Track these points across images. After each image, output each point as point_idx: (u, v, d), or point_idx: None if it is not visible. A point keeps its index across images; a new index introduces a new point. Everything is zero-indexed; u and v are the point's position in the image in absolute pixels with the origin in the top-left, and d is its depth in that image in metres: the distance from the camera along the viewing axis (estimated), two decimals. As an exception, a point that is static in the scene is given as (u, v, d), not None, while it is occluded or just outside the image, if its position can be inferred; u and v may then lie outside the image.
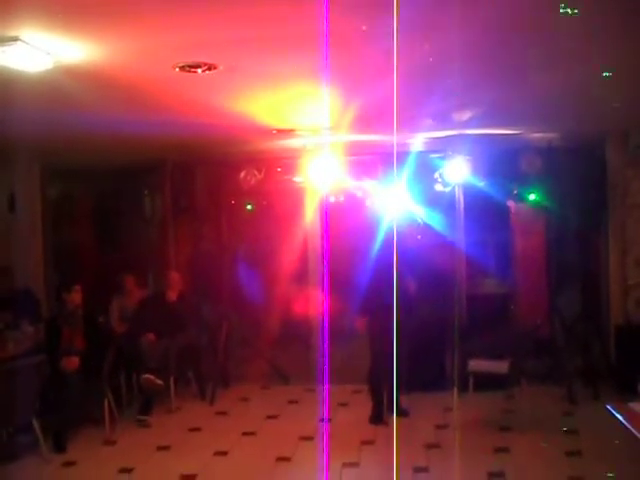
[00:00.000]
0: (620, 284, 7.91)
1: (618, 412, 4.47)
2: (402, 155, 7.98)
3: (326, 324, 7.97)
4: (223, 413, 7.55)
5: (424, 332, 7.30)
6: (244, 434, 6.80)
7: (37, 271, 8.59)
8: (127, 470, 5.91)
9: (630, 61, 4.57)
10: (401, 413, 6.86)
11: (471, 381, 7.19)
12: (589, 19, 3.66)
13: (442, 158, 8.14)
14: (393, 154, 8.13)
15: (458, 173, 7.85)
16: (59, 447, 6.33)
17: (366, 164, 8.80)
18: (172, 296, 8.06)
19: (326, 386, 7.58)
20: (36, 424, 6.07)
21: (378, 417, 6.90)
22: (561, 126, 7.52)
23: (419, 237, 7.37)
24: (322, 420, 6.97)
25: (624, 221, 7.88)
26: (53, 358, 6.53)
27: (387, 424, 6.78)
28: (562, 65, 4.62)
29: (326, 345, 7.18)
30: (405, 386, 7.15)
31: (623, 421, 4.34)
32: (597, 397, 7.28)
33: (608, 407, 4.60)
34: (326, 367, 7.68)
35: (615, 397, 6.50)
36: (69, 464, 6.09)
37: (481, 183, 7.96)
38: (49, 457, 6.15)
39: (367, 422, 6.89)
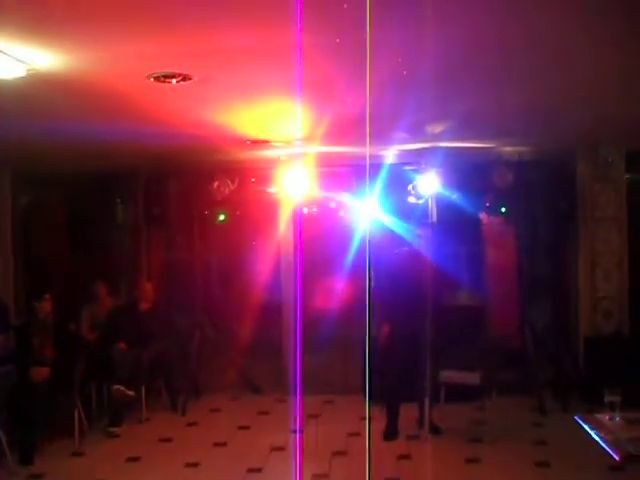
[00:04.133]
0: (589, 296, 8.01)
1: (586, 423, 4.53)
2: (375, 167, 8.01)
3: (299, 334, 7.96)
4: (194, 424, 7.50)
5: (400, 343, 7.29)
6: (215, 445, 6.76)
7: (7, 279, 8.49)
8: (96, 482, 5.87)
9: (601, 76, 4.65)
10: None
11: (442, 392, 7.23)
12: (561, 35, 3.73)
13: (415, 170, 8.21)
14: (366, 166, 8.17)
15: (431, 185, 7.91)
16: (26, 459, 6.22)
17: (340, 176, 8.83)
18: (144, 306, 8.02)
19: (299, 397, 7.57)
20: (2, 435, 5.98)
21: (394, 433, 6.87)
22: (532, 140, 7.62)
23: (396, 251, 7.37)
24: (294, 431, 6.96)
25: (593, 234, 7.99)
26: (22, 368, 6.45)
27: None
28: (533, 79, 4.69)
29: (299, 355, 7.18)
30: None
31: (591, 432, 4.40)
32: (566, 408, 7.35)
33: (576, 418, 4.66)
34: (299, 377, 7.66)
35: (584, 408, 6.58)
36: (36, 477, 6.00)
37: (453, 196, 8.03)
38: (16, 469, 6.05)
39: (339, 433, 6.89)
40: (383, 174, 7.70)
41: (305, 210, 8.95)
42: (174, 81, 4.37)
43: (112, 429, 7.07)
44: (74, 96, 4.80)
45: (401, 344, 6.78)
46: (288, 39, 3.47)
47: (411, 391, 7.07)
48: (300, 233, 8.59)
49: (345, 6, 3.08)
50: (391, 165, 8.01)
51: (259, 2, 3.14)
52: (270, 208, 8.74)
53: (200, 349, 8.39)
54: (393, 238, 7.87)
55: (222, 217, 9.35)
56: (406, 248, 7.40)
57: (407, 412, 7.06)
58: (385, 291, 6.84)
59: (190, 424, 7.50)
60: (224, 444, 6.80)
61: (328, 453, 6.39)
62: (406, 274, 7.01)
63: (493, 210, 8.50)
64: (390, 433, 6.84)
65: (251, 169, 8.79)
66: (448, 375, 7.07)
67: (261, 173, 8.80)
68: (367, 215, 7.81)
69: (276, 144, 7.21)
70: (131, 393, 7.21)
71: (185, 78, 4.33)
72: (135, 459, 6.41)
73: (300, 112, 5.53)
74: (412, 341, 6.85)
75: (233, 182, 8.40)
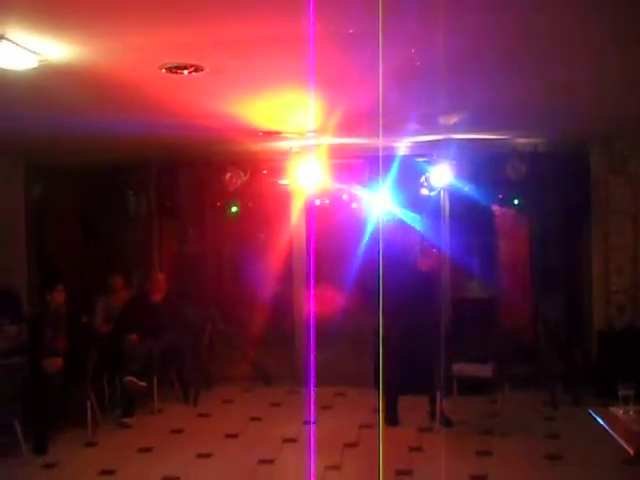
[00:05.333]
0: (603, 290, 7.96)
1: (600, 416, 4.50)
2: (388, 159, 8.00)
3: (312, 326, 7.96)
4: (206, 415, 7.52)
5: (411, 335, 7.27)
6: (227, 436, 6.78)
7: (20, 270, 8.53)
8: (109, 472, 5.88)
9: (615, 68, 4.61)
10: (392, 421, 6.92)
11: (455, 385, 7.21)
12: (574, 26, 3.69)
13: (428, 162, 8.17)
14: (379, 158, 8.15)
15: (444, 177, 7.87)
16: (40, 448, 6.27)
17: (352, 167, 8.81)
18: (156, 297, 8.03)
19: (312, 388, 7.58)
20: (17, 425, 6.02)
21: (393, 420, 6.93)
22: (546, 132, 7.57)
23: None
24: (308, 422, 6.96)
25: (607, 227, 7.94)
26: (35, 359, 6.48)
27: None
28: (547, 71, 4.65)
29: (312, 347, 7.18)
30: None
31: (604, 425, 4.38)
32: (578, 402, 7.32)
33: (590, 411, 4.64)
34: (312, 368, 7.67)
35: (596, 401, 6.54)
36: (50, 466, 6.04)
37: (466, 187, 7.99)
38: (30, 458, 6.10)
39: (351, 425, 6.89)
40: (396, 166, 7.68)
41: (317, 202, 8.94)
42: (186, 72, 4.36)
43: (124, 420, 7.10)
44: (86, 87, 4.81)
45: (410, 336, 6.77)
46: (301, 30, 3.45)
47: (422, 383, 7.07)
48: (312, 225, 8.58)
49: (358, -4, 3.06)
50: (404, 157, 7.99)
51: (271, -8, 3.12)
52: (282, 200, 8.74)
53: (212, 341, 8.40)
54: (405, 230, 7.85)
55: (234, 209, 9.35)
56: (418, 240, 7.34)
57: (419, 404, 7.05)
58: (396, 283, 6.81)
59: (202, 415, 7.52)
60: (236, 435, 6.81)
61: (340, 445, 6.40)
62: (417, 265, 7.00)
63: (506, 202, 8.46)
64: (390, 420, 6.87)
65: (263, 161, 8.78)
66: (460, 368, 7.05)
67: (273, 165, 8.79)
68: (379, 207, 7.80)
69: (288, 135, 7.19)
70: (143, 384, 7.23)
71: (197, 69, 4.32)
72: (147, 450, 6.44)
73: (312, 103, 5.51)
74: (422, 333, 6.84)
75: (245, 174, 8.40)
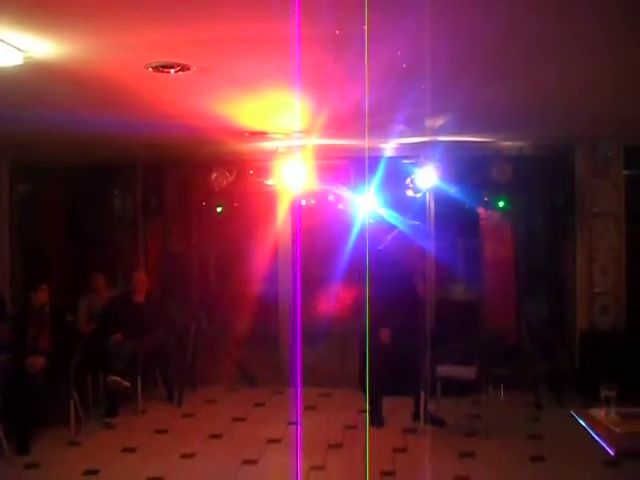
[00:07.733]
0: (586, 291, 8.02)
1: (581, 418, 4.54)
2: (374, 160, 8.02)
3: (298, 327, 7.97)
4: (190, 415, 7.51)
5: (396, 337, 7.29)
6: (211, 436, 6.76)
7: (3, 269, 8.48)
8: (92, 472, 5.85)
9: (599, 71, 4.65)
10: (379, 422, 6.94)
11: (439, 386, 7.24)
12: (558, 32, 3.72)
13: (413, 164, 8.21)
14: (365, 159, 8.17)
15: (429, 179, 7.91)
16: (22, 448, 6.22)
17: (338, 168, 8.83)
18: (139, 297, 8.00)
19: (299, 388, 7.58)
20: (-1, 425, 5.99)
21: (379, 422, 6.94)
22: (531, 135, 7.62)
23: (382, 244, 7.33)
24: (294, 423, 6.96)
25: (591, 229, 7.99)
26: (18, 357, 6.45)
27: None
28: (533, 74, 4.68)
29: (299, 347, 7.20)
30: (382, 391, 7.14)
31: (586, 427, 4.42)
32: (561, 403, 7.37)
33: (572, 413, 4.67)
34: (299, 369, 7.68)
35: (579, 403, 6.60)
36: (32, 466, 5.99)
37: (452, 189, 8.02)
38: (12, 458, 6.06)
39: (336, 426, 6.91)
40: (381, 167, 7.69)
41: (303, 203, 8.94)
42: (172, 71, 4.36)
43: (108, 419, 7.07)
44: (71, 85, 4.78)
45: (394, 338, 6.79)
46: (287, 30, 3.46)
47: (406, 385, 7.09)
48: (298, 226, 8.58)
49: (345, -3, 3.07)
50: (390, 158, 8.00)
51: (258, -8, 3.13)
52: (268, 200, 8.73)
53: (196, 341, 8.38)
54: (390, 231, 7.87)
55: (220, 209, 9.34)
56: (395, 232, 7.31)
57: (404, 405, 7.07)
58: (380, 284, 6.82)
59: (186, 415, 7.50)
60: (220, 436, 6.79)
61: (325, 445, 6.40)
62: (400, 267, 7.01)
63: (491, 204, 8.49)
64: (375, 421, 6.90)
65: (249, 161, 8.78)
66: (444, 369, 7.07)
67: (259, 165, 8.78)
68: (365, 208, 7.81)
69: (274, 136, 7.20)
70: (127, 384, 7.20)
71: (184, 68, 4.32)
72: (131, 449, 6.41)
73: (299, 104, 5.52)
74: (405, 335, 6.85)
75: (231, 174, 8.39)
